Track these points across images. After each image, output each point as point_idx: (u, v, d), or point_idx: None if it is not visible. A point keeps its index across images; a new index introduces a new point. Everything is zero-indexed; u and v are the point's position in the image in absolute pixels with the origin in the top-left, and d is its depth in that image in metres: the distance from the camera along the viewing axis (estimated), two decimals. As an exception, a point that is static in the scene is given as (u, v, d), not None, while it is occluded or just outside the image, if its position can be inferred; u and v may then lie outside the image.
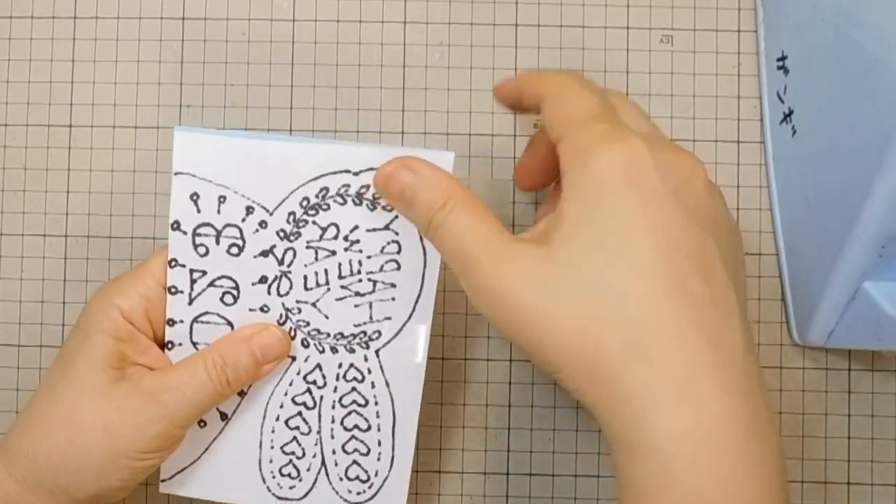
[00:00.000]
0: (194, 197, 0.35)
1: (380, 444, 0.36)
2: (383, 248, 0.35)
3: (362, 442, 0.36)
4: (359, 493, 0.37)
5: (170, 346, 0.36)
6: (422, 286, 0.35)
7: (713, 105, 0.42)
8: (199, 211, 0.35)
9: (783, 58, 0.40)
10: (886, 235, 0.34)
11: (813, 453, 0.41)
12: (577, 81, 0.33)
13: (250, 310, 0.36)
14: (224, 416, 0.37)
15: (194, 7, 0.42)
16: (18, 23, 0.42)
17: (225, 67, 0.42)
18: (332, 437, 0.37)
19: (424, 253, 0.35)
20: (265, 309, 0.36)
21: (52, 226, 0.42)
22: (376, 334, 0.36)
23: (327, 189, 0.35)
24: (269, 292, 0.36)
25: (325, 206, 0.35)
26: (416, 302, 0.35)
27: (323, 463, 0.37)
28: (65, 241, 0.42)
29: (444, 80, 0.42)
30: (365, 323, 0.36)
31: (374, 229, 0.35)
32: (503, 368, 0.41)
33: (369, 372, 0.36)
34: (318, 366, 0.36)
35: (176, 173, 0.35)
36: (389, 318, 0.35)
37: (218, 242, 0.35)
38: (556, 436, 0.41)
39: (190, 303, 0.36)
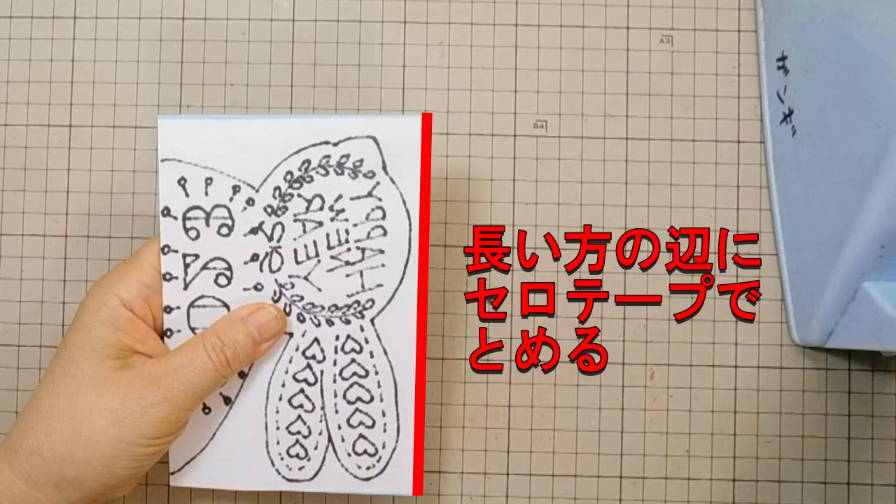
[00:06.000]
0: (182, 181, 0.36)
1: (384, 414, 0.37)
2: (368, 214, 0.36)
3: (367, 414, 0.37)
4: (368, 468, 0.37)
5: (168, 333, 0.36)
6: (409, 250, 0.36)
7: (713, 105, 0.42)
8: (187, 195, 0.36)
9: (783, 58, 0.40)
10: (886, 235, 0.34)
11: (813, 453, 0.41)
12: None
13: (244, 289, 0.36)
14: (228, 401, 0.37)
15: (194, 7, 0.42)
16: (18, 23, 0.42)
17: (225, 67, 0.42)
18: (336, 411, 0.37)
19: (409, 217, 0.36)
20: (259, 287, 0.36)
21: (52, 226, 0.42)
22: (370, 303, 0.36)
23: (309, 161, 0.35)
24: (261, 269, 0.36)
25: (308, 179, 0.35)
26: (406, 266, 0.36)
27: (329, 440, 0.37)
28: (65, 241, 0.42)
29: (444, 80, 0.42)
30: (357, 292, 0.36)
31: (358, 197, 0.35)
32: (503, 368, 0.41)
33: (366, 342, 0.36)
34: (316, 340, 0.37)
35: (162, 160, 0.36)
36: (381, 286, 0.36)
37: (208, 224, 0.36)
38: (556, 436, 0.41)
39: (185, 288, 0.36)
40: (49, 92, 0.42)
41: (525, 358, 0.41)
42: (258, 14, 0.42)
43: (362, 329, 0.36)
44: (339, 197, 0.36)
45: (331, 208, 0.36)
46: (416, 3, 0.42)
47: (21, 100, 0.42)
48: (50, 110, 0.42)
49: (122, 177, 0.42)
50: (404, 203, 0.35)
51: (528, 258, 0.41)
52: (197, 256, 0.36)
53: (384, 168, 0.35)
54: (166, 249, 0.36)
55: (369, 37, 0.42)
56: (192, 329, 0.36)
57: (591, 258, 0.41)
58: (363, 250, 0.36)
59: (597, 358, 0.41)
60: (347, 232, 0.36)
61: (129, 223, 0.42)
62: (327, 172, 0.35)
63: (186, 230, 0.36)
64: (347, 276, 0.36)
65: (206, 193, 0.36)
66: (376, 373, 0.37)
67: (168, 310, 0.36)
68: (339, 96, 0.42)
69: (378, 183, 0.35)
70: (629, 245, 0.41)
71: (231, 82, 0.42)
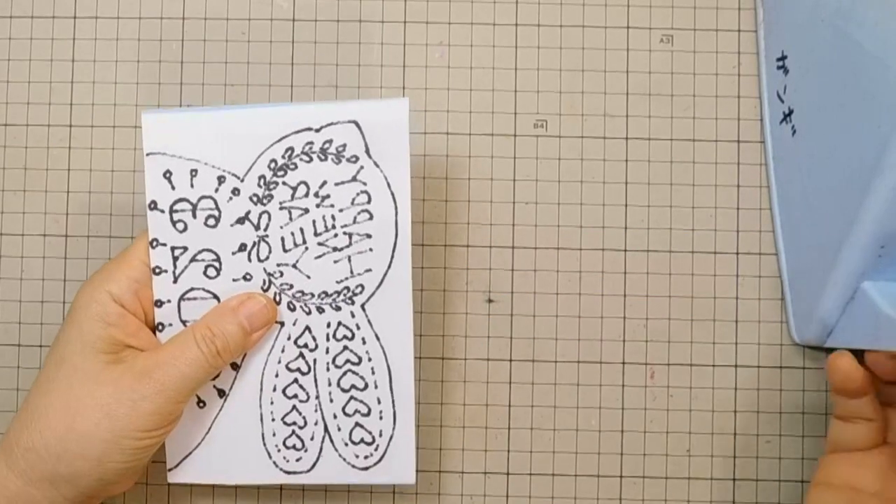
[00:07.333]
0: (167, 174, 0.36)
1: (379, 401, 0.37)
2: (353, 199, 0.36)
3: (362, 402, 0.37)
4: (366, 458, 0.37)
5: (160, 328, 0.36)
6: (396, 233, 0.36)
7: (713, 105, 0.42)
8: (173, 188, 0.36)
9: (783, 58, 0.40)
10: (885, 235, 0.34)
11: (813, 453, 0.41)
12: None
13: (234, 280, 0.36)
14: (222, 393, 0.37)
15: (194, 7, 0.42)
16: (18, 23, 0.42)
17: (225, 67, 0.42)
18: (331, 400, 0.37)
19: (394, 200, 0.36)
20: (248, 277, 0.36)
21: (52, 226, 0.42)
22: (359, 288, 0.36)
23: (292, 148, 0.35)
24: (249, 259, 0.36)
25: (292, 166, 0.36)
26: (394, 250, 0.36)
27: (326, 430, 0.37)
28: (65, 241, 0.42)
29: (444, 80, 0.42)
30: (346, 278, 0.36)
31: (343, 182, 0.36)
32: (503, 368, 0.41)
33: (358, 328, 0.36)
34: (307, 328, 0.37)
35: (147, 154, 0.36)
36: (370, 270, 0.36)
37: (195, 216, 0.36)
38: (556, 436, 0.41)
39: (175, 281, 0.36)
40: (49, 92, 0.42)
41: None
42: (258, 14, 0.42)
43: (353, 315, 0.36)
44: (324, 183, 0.36)
45: (316, 194, 0.36)
46: (416, 3, 0.42)
47: (21, 100, 0.42)
48: (50, 110, 0.42)
49: (122, 177, 0.42)
50: (389, 186, 0.35)
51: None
52: (185, 249, 0.36)
53: (367, 152, 0.35)
54: (155, 243, 0.36)
55: (369, 37, 0.42)
56: (184, 322, 0.36)
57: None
58: (350, 235, 0.36)
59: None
60: (334, 217, 0.36)
61: (129, 223, 0.42)
62: (311, 159, 0.35)
63: (174, 223, 0.36)
64: (336, 262, 0.36)
65: (192, 185, 0.36)
66: (369, 359, 0.37)
67: (159, 304, 0.36)
68: (338, 96, 0.42)
69: (362, 167, 0.35)
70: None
71: (231, 82, 0.42)
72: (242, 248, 0.36)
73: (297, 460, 0.37)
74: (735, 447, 0.41)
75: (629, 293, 0.41)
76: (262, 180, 0.36)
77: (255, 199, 0.36)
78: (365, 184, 0.35)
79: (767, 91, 0.41)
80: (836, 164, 0.36)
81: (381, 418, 0.37)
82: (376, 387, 0.37)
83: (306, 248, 0.36)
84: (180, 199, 0.36)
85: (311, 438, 0.37)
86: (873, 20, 0.33)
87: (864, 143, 0.33)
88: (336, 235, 0.36)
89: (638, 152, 0.42)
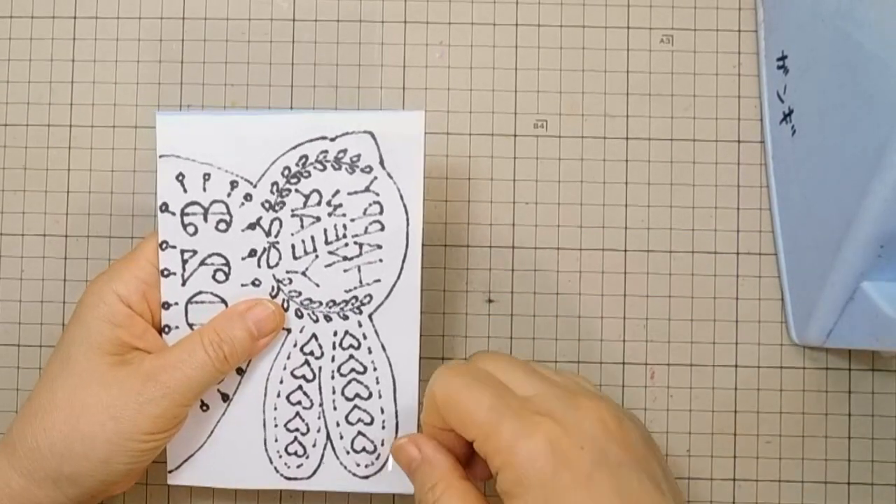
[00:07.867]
0: (180, 177, 0.36)
1: (382, 411, 0.37)
2: (366, 209, 0.36)
3: (365, 411, 0.37)
4: (367, 466, 0.37)
5: (166, 329, 0.36)
6: (407, 245, 0.36)
7: (713, 105, 0.42)
8: (185, 190, 0.36)
9: (783, 57, 0.40)
10: (885, 235, 0.34)
11: (813, 453, 0.41)
12: (456, 391, 0.32)
13: (242, 285, 0.36)
14: (225, 398, 0.37)
15: (194, 7, 0.42)
16: (18, 23, 0.42)
17: (225, 67, 0.42)
18: (335, 408, 0.37)
19: (406, 212, 0.36)
20: (257, 283, 0.36)
21: (52, 226, 0.42)
22: (368, 298, 0.36)
23: (307, 157, 0.35)
24: (259, 265, 0.36)
25: (306, 174, 0.35)
26: (404, 261, 0.36)
27: (328, 437, 0.37)
28: (65, 241, 0.42)
29: (444, 80, 0.42)
30: (355, 288, 0.36)
31: (355, 192, 0.36)
32: (503, 368, 0.41)
33: (364, 337, 0.36)
34: (314, 336, 0.37)
35: (161, 156, 0.36)
36: (379, 281, 0.36)
37: (206, 220, 0.36)
38: (555, 436, 0.41)
39: (183, 284, 0.36)
40: (49, 92, 0.42)
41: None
42: (258, 14, 0.42)
43: (360, 325, 0.36)
44: (337, 192, 0.36)
45: (328, 203, 0.36)
46: (416, 3, 0.42)
47: (21, 100, 0.42)
48: (50, 110, 0.42)
49: (122, 177, 0.42)
50: (402, 198, 0.35)
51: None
52: (195, 252, 0.36)
53: (381, 163, 0.35)
54: (164, 245, 0.36)
55: (369, 37, 0.42)
56: (190, 325, 0.36)
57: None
58: (361, 245, 0.36)
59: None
60: (345, 227, 0.36)
61: (129, 223, 0.42)
62: (325, 167, 0.35)
63: (184, 226, 0.36)
64: (345, 271, 0.36)
65: (204, 189, 0.36)
66: (374, 369, 0.37)
67: (166, 306, 0.36)
68: (339, 96, 0.42)
69: (375, 178, 0.35)
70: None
71: (231, 82, 0.42)
72: (252, 253, 0.36)
73: (298, 467, 0.37)
74: (735, 447, 0.41)
75: (629, 293, 0.41)
76: (274, 187, 0.36)
77: (267, 205, 0.36)
78: (378, 195, 0.36)
79: (767, 91, 0.41)
80: (836, 164, 0.36)
81: (383, 428, 0.37)
82: (380, 396, 0.37)
83: (316, 257, 0.36)
84: (192, 203, 0.36)
85: (313, 445, 0.37)
86: (873, 20, 0.33)
87: (864, 143, 0.33)
88: (347, 245, 0.36)
89: (638, 152, 0.42)
